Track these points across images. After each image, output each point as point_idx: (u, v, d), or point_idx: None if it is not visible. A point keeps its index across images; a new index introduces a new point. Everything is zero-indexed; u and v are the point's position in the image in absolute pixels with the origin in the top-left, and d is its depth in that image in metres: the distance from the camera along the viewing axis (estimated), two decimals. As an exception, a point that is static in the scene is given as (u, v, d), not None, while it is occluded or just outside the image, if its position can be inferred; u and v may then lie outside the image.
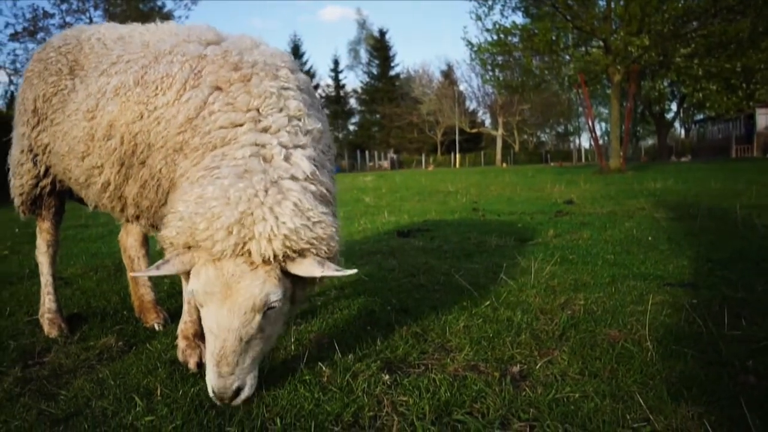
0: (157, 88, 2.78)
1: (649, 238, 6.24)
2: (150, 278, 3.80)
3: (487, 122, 73.83)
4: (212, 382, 2.27)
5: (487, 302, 3.81)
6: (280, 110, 2.60)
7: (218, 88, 2.64)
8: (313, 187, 2.46)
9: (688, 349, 2.81)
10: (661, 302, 3.67)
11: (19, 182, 3.59)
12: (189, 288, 2.33)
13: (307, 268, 2.29)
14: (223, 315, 2.23)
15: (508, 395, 2.42)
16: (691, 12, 22.21)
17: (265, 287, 2.24)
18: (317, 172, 2.53)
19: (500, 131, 63.00)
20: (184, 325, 3.05)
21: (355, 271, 2.38)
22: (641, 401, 2.28)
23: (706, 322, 3.18)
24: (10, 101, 32.13)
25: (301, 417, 2.32)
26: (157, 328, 3.62)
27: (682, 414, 2.19)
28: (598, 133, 45.46)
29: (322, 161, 2.67)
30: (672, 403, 2.28)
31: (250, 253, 2.23)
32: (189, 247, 2.31)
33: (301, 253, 2.28)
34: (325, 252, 2.33)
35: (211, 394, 2.31)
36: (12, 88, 33.69)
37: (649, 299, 3.59)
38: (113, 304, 4.28)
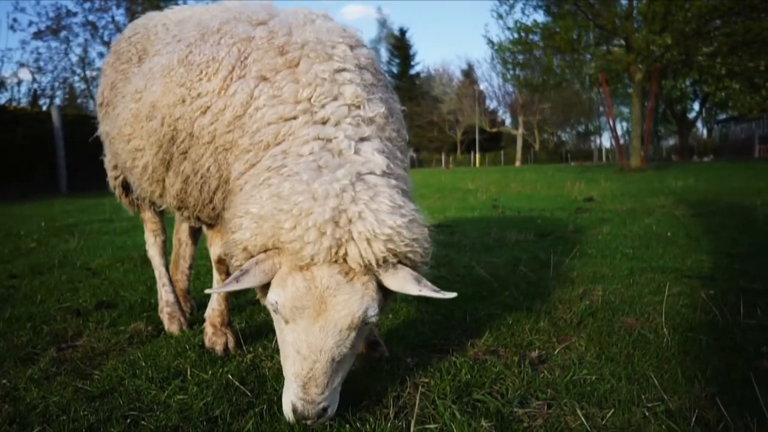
0: (201, 72, 2.52)
1: (669, 234, 6.25)
2: (190, 267, 3.90)
3: (508, 121, 73.79)
4: (295, 402, 1.99)
5: (507, 292, 3.88)
6: (335, 98, 2.28)
7: (264, 79, 2.37)
8: (393, 182, 2.17)
9: (704, 336, 2.87)
10: (678, 293, 3.71)
11: (112, 174, 3.74)
12: (270, 299, 2.01)
13: (401, 283, 1.99)
14: (315, 334, 1.94)
15: (527, 377, 2.50)
16: (715, 10, 21.97)
17: (364, 302, 1.95)
18: (392, 166, 2.23)
19: (520, 130, 62.80)
20: (212, 312, 3.06)
21: (454, 294, 2.00)
22: (656, 383, 2.35)
23: (722, 311, 3.22)
24: (33, 99, 32.40)
25: (326, 395, 2.39)
26: (184, 315, 3.69)
27: (695, 394, 2.25)
28: (619, 132, 45.12)
29: (392, 151, 2.35)
30: (686, 385, 2.34)
31: (345, 260, 1.95)
32: (265, 251, 2.03)
33: (400, 260, 2.02)
34: (421, 256, 2.08)
35: (288, 413, 2.05)
36: (35, 85, 34.05)
37: (666, 290, 3.63)
38: (140, 293, 4.39)
